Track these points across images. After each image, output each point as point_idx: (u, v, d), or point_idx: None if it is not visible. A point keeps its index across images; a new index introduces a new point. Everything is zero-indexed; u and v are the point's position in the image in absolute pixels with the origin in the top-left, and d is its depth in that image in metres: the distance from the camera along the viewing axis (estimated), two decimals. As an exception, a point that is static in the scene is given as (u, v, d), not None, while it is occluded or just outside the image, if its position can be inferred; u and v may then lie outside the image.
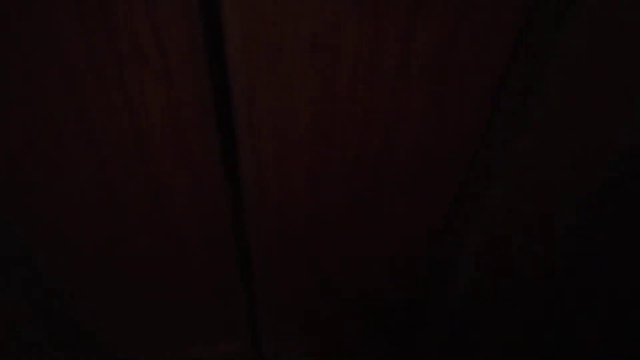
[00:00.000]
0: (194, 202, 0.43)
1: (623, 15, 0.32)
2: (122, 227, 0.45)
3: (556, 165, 0.43)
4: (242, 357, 0.68)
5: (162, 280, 0.52)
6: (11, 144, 0.36)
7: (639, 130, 0.40)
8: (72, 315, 0.55)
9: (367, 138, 0.40)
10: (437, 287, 0.60)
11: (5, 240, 0.44)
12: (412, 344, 0.72)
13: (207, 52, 0.32)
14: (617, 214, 0.50)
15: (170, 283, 0.53)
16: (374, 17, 0.31)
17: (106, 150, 0.38)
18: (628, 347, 0.67)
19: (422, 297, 0.63)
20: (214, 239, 0.48)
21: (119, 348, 0.61)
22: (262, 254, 0.51)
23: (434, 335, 0.68)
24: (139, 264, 0.50)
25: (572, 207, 0.48)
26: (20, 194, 0.40)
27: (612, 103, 0.38)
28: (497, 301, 0.63)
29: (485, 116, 0.40)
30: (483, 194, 0.46)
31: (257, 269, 0.53)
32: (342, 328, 0.66)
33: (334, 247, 0.51)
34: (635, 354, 0.67)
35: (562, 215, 0.49)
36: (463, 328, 0.68)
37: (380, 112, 0.38)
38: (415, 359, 0.74)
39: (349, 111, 0.37)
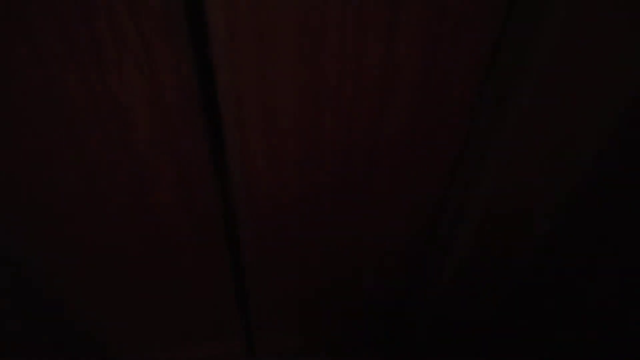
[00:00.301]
0: (181, 192, 0.43)
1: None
2: (108, 221, 0.44)
3: (546, 146, 0.43)
4: (235, 356, 0.68)
5: (150, 276, 0.52)
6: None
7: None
8: (66, 316, 0.55)
9: (356, 120, 0.40)
10: (427, 278, 0.60)
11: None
12: (404, 340, 0.72)
13: (189, 35, 0.32)
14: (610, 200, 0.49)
15: (159, 279, 0.53)
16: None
17: (87, 139, 0.37)
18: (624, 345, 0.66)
19: (413, 289, 0.62)
20: (203, 232, 0.48)
21: (109, 348, 0.61)
22: (253, 248, 0.50)
23: (424, 327, 0.68)
24: (126, 260, 0.49)
25: (563, 193, 0.48)
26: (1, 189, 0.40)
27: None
28: (486, 294, 0.62)
29: (475, 90, 0.40)
30: (476, 176, 0.46)
31: (248, 264, 0.52)
32: (336, 325, 0.66)
33: (326, 239, 0.51)
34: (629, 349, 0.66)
35: (554, 199, 0.49)
36: (451, 321, 0.67)
37: (369, 94, 0.38)
38: (407, 355, 0.73)
39: (337, 93, 0.37)
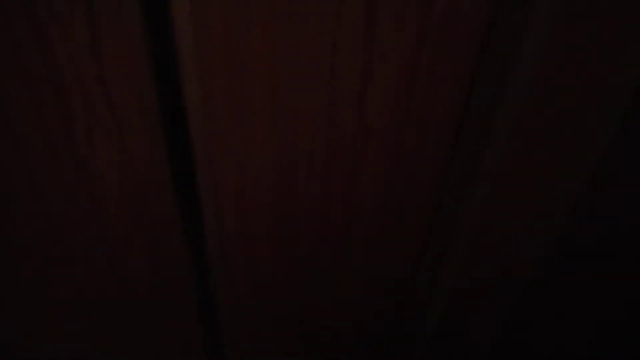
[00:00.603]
0: (150, 257, 0.42)
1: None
2: (75, 278, 0.43)
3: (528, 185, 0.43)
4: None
5: (118, 329, 0.50)
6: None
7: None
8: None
9: (329, 190, 0.39)
10: (409, 332, 0.59)
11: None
12: None
13: (159, 107, 0.31)
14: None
15: (126, 333, 0.50)
16: (329, 78, 0.31)
17: (58, 213, 0.36)
18: None
19: (394, 339, 0.62)
20: (172, 292, 0.46)
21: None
22: (227, 309, 0.49)
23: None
24: (94, 311, 0.47)
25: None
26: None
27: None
28: (469, 346, 0.62)
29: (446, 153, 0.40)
30: (452, 232, 0.45)
31: (224, 326, 0.51)
32: None
33: (301, 297, 0.50)
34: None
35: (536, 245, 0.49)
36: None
37: (343, 162, 0.37)
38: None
39: (311, 165, 0.37)
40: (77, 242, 0.38)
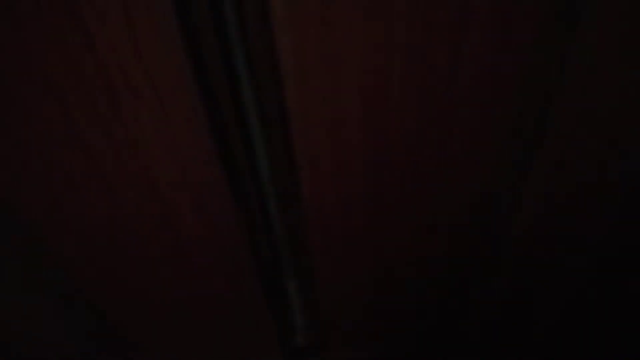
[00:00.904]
0: (202, 224, 0.44)
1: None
2: (136, 253, 0.46)
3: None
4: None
5: (183, 300, 0.53)
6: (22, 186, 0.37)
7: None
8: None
9: (421, 141, 0.40)
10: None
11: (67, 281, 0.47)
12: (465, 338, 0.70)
13: (198, 80, 0.33)
14: None
15: (191, 301, 0.54)
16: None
17: (115, 192, 0.39)
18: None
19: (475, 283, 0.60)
20: (228, 261, 0.48)
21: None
22: (323, 273, 0.51)
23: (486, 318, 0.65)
24: (165, 292, 0.51)
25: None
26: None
27: None
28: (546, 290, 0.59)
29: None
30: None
31: (322, 291, 0.53)
32: (399, 338, 0.65)
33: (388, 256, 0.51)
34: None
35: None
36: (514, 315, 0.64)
37: (433, 112, 0.38)
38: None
39: (402, 117, 0.37)
40: (134, 217, 0.41)
